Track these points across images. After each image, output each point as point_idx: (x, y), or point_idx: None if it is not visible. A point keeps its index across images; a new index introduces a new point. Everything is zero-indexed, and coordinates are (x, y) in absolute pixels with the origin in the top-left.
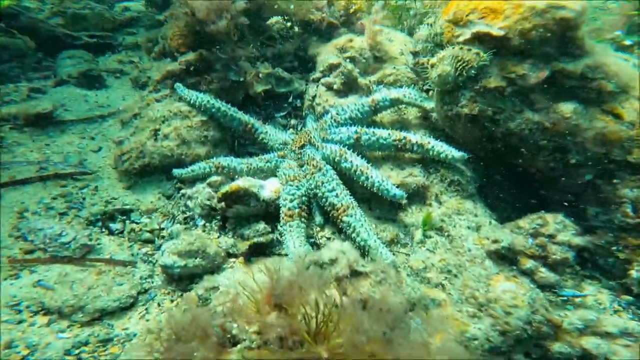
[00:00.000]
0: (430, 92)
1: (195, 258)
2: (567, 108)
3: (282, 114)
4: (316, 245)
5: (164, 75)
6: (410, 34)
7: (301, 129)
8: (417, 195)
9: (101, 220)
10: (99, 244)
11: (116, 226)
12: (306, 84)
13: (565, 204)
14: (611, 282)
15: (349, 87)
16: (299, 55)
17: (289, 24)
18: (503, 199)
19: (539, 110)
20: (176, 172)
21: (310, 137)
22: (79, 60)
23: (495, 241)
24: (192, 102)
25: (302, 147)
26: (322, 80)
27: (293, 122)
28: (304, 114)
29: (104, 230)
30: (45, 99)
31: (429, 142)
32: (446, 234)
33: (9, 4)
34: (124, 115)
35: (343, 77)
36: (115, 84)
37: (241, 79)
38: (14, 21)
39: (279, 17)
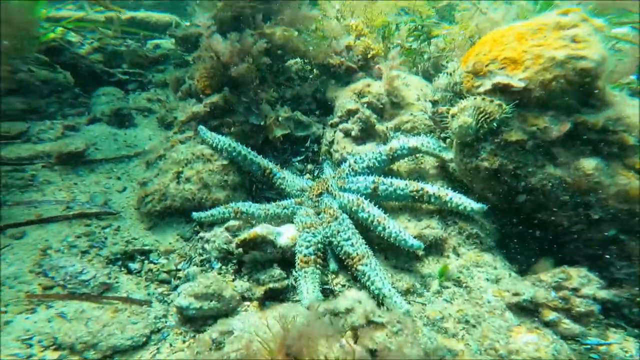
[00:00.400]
0: (448, 140)
1: (211, 301)
2: (588, 164)
3: (299, 158)
4: (331, 292)
5: (189, 117)
6: (425, 77)
7: (318, 174)
8: (435, 247)
9: (121, 259)
10: (117, 283)
11: (135, 266)
12: (323, 128)
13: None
14: (637, 330)
15: (367, 133)
16: (317, 98)
17: (308, 66)
18: (523, 251)
19: (560, 165)
20: (196, 215)
21: (328, 186)
22: (112, 98)
23: (516, 294)
24: (214, 145)
25: (320, 195)
26: (340, 126)
27: (310, 167)
28: (320, 159)
29: (122, 269)
30: (78, 137)
31: (446, 194)
32: (464, 285)
33: (55, 37)
34: (149, 156)
35: (361, 123)
36: (143, 122)
37: (262, 123)
38: (57, 56)
39: (298, 59)
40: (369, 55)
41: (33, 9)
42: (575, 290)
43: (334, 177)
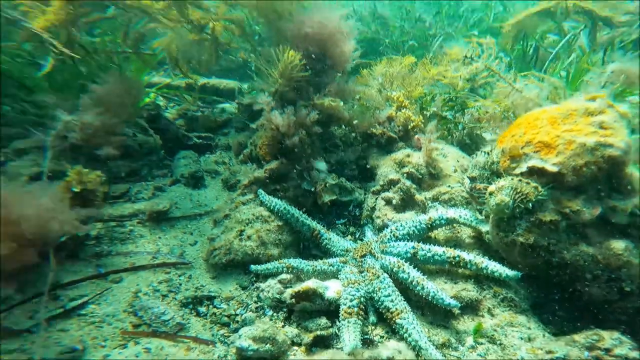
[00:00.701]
0: (484, 212)
1: (266, 344)
2: (618, 245)
3: (342, 221)
4: (370, 342)
5: (251, 181)
6: (460, 145)
7: (359, 236)
8: (470, 307)
9: (192, 303)
10: (188, 323)
11: (202, 309)
12: (365, 194)
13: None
14: None
15: (407, 202)
16: (359, 164)
17: (353, 134)
18: (558, 315)
19: (593, 244)
20: (253, 268)
21: (371, 249)
22: (189, 161)
23: (549, 352)
24: (271, 207)
25: (363, 256)
26: (382, 195)
27: (352, 229)
28: (362, 222)
29: (193, 312)
30: (164, 197)
31: (482, 262)
32: (498, 342)
33: (149, 102)
34: (216, 215)
35: (402, 193)
36: (211, 183)
37: (312, 189)
38: (154, 122)
39: (343, 126)
40: (410, 127)
41: (141, 77)
42: (607, 350)
43: (376, 241)
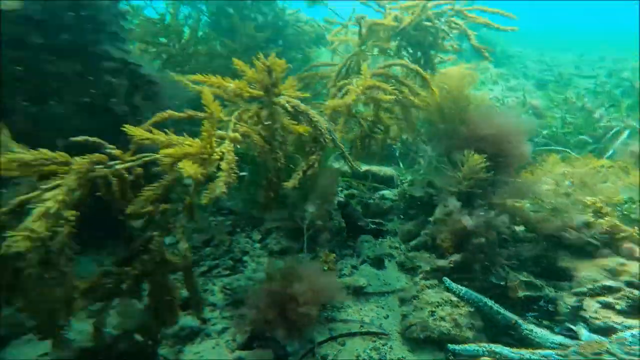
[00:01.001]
0: None
1: None
2: None
3: (532, 314)
4: None
5: (434, 269)
6: None
7: (560, 331)
8: None
9: None
10: None
11: None
12: (555, 292)
13: None
14: None
15: (633, 308)
16: (539, 263)
17: (525, 232)
18: None
19: None
20: (451, 347)
21: (607, 348)
22: (370, 244)
23: None
24: (459, 294)
25: (597, 354)
26: (599, 299)
27: (545, 323)
28: (561, 319)
29: None
30: (358, 275)
31: None
32: None
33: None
34: (402, 294)
35: (629, 300)
36: (389, 265)
37: (502, 283)
38: (343, 209)
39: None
40: (617, 237)
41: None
42: None
43: (611, 342)
